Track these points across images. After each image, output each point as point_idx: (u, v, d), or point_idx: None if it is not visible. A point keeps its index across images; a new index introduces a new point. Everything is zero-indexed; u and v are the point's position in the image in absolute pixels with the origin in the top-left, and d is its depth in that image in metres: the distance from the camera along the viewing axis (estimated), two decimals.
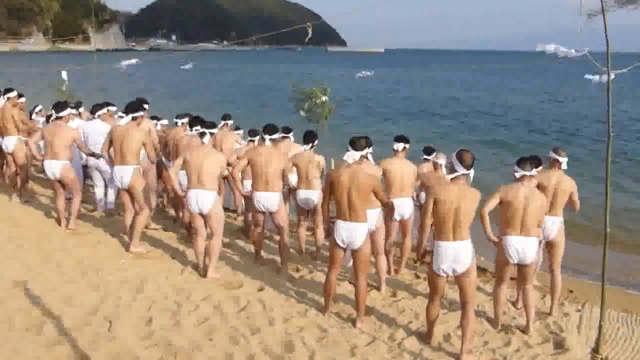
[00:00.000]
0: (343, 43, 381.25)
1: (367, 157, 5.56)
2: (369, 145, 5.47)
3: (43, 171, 8.02)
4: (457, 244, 4.51)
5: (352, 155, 5.11)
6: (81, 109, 10.13)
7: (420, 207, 6.87)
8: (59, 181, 7.39)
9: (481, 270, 6.77)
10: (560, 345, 5.00)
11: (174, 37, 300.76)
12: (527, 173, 5.07)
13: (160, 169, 8.29)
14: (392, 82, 49.49)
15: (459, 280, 4.61)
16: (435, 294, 4.79)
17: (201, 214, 6.03)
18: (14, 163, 9.04)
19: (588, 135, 21.89)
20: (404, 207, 6.41)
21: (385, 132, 18.16)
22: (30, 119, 10.21)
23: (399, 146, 6.44)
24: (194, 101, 31.60)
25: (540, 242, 5.56)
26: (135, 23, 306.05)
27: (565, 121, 26.22)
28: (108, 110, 8.56)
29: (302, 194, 6.84)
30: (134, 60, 8.81)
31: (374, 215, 5.71)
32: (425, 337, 4.97)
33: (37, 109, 10.59)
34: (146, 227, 7.53)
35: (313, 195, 6.75)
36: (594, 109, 29.61)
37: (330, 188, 5.14)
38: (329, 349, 4.71)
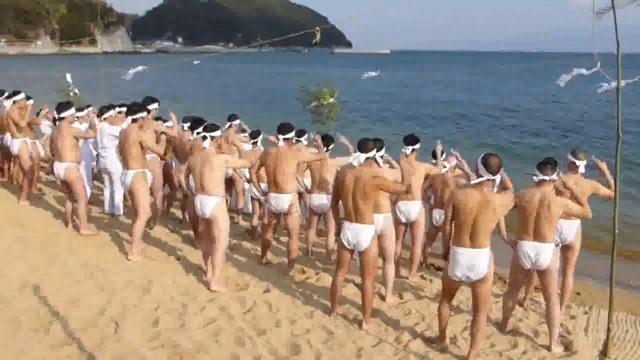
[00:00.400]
0: (349, 44, 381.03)
1: (374, 160, 5.47)
2: (379, 147, 5.42)
3: (52, 173, 8.07)
4: (474, 251, 4.41)
5: (358, 157, 5.08)
6: (90, 109, 10.19)
7: (430, 210, 6.84)
8: (65, 183, 7.41)
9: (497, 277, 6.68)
10: (568, 348, 4.96)
11: (180, 40, 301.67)
12: (547, 177, 4.91)
13: (168, 171, 8.29)
14: (396, 83, 49.44)
15: (472, 287, 4.55)
16: (446, 296, 4.74)
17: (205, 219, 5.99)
18: (19, 164, 9.08)
19: (595, 137, 21.81)
20: (411, 210, 6.36)
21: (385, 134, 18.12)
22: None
23: (408, 149, 6.22)
24: (199, 103, 31.71)
25: (557, 246, 5.42)
26: (142, 25, 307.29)
27: (569, 124, 26.10)
28: (117, 112, 8.58)
29: (315, 198, 6.83)
30: (140, 68, 8.82)
31: (381, 219, 5.66)
32: (436, 340, 4.89)
33: (43, 112, 10.63)
34: (150, 229, 7.55)
35: (326, 199, 6.67)
36: (600, 110, 29.51)
37: (337, 190, 5.14)
38: (335, 350, 4.70)
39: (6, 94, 9.37)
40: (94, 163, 8.98)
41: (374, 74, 9.71)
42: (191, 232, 7.43)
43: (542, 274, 4.98)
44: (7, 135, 9.10)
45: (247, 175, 7.72)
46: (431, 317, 5.47)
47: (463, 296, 5.82)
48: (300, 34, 8.72)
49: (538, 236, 4.88)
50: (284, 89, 41.06)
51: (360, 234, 5.04)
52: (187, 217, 8.12)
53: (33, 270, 6.00)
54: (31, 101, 9.62)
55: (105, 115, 8.41)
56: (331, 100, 10.71)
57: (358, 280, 5.81)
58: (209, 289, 5.80)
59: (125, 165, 6.65)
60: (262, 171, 6.54)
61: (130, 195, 6.75)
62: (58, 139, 7.25)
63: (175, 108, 7.50)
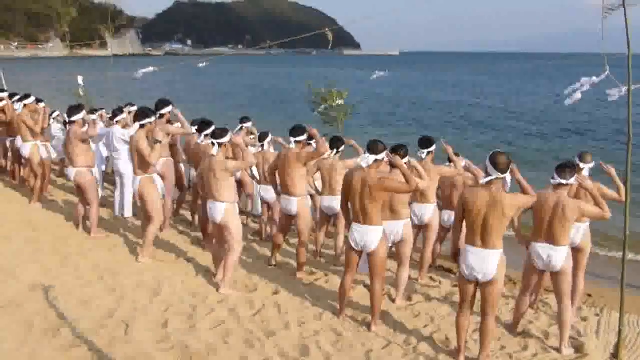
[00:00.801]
0: (357, 46, 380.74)
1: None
2: (403, 154, 5.47)
3: (63, 175, 8.13)
4: (484, 252, 4.37)
5: (366, 159, 5.07)
6: (101, 112, 10.30)
7: (440, 210, 6.81)
8: (78, 187, 7.45)
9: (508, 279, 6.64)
10: (578, 350, 4.93)
11: (189, 42, 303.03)
12: (565, 181, 4.83)
13: (177, 173, 8.32)
14: (404, 85, 49.40)
15: (481, 288, 4.51)
16: (464, 300, 4.62)
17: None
18: (31, 167, 9.16)
19: (603, 139, 21.65)
20: (425, 213, 6.33)
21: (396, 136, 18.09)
22: (49, 124, 10.33)
23: (424, 153, 6.17)
24: (208, 105, 31.83)
25: None
26: (152, 28, 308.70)
27: (575, 126, 25.90)
28: (128, 112, 8.63)
29: (325, 200, 6.83)
30: (151, 69, 8.88)
31: (400, 226, 5.65)
32: (454, 353, 4.74)
33: (54, 115, 10.73)
34: (160, 231, 7.57)
35: (337, 201, 6.61)
36: (605, 112, 29.27)
37: (345, 191, 5.14)
38: (344, 352, 4.70)
39: (17, 97, 9.48)
40: (103, 166, 9.05)
41: (382, 74, 9.78)
42: (200, 234, 7.46)
43: (555, 276, 4.94)
44: (18, 138, 9.18)
45: (257, 176, 7.75)
46: (440, 319, 5.46)
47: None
48: (309, 35, 8.73)
49: (550, 238, 4.84)
50: (293, 90, 41.15)
51: (367, 235, 5.03)
52: (196, 219, 8.17)
53: (45, 272, 6.05)
54: (42, 104, 9.70)
55: (118, 118, 8.47)
56: (340, 102, 10.71)
57: (367, 282, 5.81)
58: (218, 291, 5.81)
59: (135, 171, 6.68)
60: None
61: (140, 200, 6.77)
62: (69, 143, 7.28)
63: (184, 110, 7.49)
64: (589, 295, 6.44)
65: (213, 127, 6.31)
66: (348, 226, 5.31)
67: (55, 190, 10.08)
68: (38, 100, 9.56)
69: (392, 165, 5.18)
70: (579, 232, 5.50)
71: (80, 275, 6.02)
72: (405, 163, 5.46)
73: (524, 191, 4.57)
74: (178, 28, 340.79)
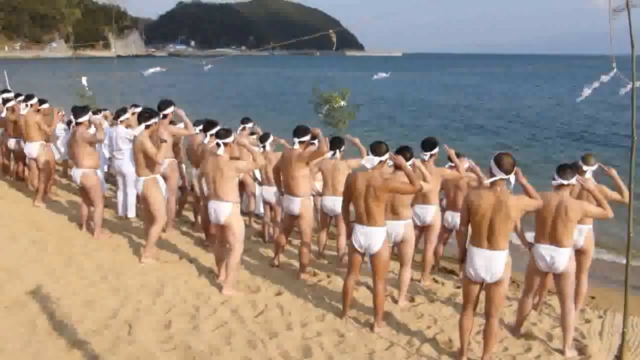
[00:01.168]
0: (360, 47, 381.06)
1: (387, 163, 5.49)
2: (409, 156, 5.48)
3: (66, 176, 8.17)
4: (490, 253, 4.36)
5: (370, 160, 5.08)
6: (105, 112, 10.33)
7: (443, 211, 6.81)
8: (82, 188, 7.47)
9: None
10: (582, 352, 4.92)
11: (192, 43, 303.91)
12: (566, 182, 4.84)
13: (180, 175, 8.35)
14: (406, 86, 49.41)
15: (486, 289, 4.50)
16: (468, 302, 4.62)
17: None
18: (36, 168, 9.20)
19: (606, 141, 21.62)
20: (427, 214, 6.33)
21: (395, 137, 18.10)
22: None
23: (426, 155, 6.15)
24: (211, 105, 31.89)
25: None
26: (155, 29, 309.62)
27: (577, 128, 25.88)
28: (131, 113, 8.66)
29: (327, 200, 6.84)
30: (157, 68, 8.94)
31: (402, 226, 5.66)
32: (457, 355, 4.74)
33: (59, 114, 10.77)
34: (162, 231, 7.59)
35: (339, 202, 6.56)
36: (608, 113, 29.23)
37: (348, 192, 5.14)
38: (347, 353, 4.70)
39: (21, 97, 9.53)
40: (105, 167, 9.08)
41: (384, 75, 9.84)
42: (203, 235, 7.47)
43: (558, 277, 4.93)
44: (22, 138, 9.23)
45: (259, 177, 7.76)
46: (443, 320, 5.46)
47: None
48: (313, 37, 8.75)
49: (554, 240, 4.83)
50: (296, 91, 41.19)
51: (372, 237, 5.03)
52: (199, 219, 8.18)
53: (49, 272, 6.07)
54: (46, 105, 9.75)
55: (121, 118, 8.49)
56: (342, 103, 10.73)
57: (370, 283, 5.81)
58: (221, 292, 5.82)
59: (138, 172, 6.68)
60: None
61: (143, 201, 6.78)
62: (75, 145, 7.29)
63: (187, 111, 7.49)
64: (593, 297, 6.43)
65: (218, 127, 6.36)
66: (348, 228, 5.30)
67: (59, 191, 10.11)
68: (41, 101, 9.60)
69: (397, 167, 5.18)
70: (582, 234, 5.49)
71: (84, 276, 6.05)
72: (410, 165, 5.47)
73: (528, 194, 4.57)
74: (181, 29, 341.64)
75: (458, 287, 6.31)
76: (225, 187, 5.75)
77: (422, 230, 6.49)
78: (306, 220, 6.36)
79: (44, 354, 4.39)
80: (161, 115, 7.05)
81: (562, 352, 4.89)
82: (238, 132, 8.30)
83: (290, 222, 6.58)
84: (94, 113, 9.73)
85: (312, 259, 7.01)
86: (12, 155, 10.52)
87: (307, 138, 6.29)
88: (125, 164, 8.25)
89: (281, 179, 6.49)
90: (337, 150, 6.80)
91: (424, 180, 5.52)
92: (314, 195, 7.16)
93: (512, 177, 4.43)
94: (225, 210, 5.76)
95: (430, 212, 6.32)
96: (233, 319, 5.22)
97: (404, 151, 5.54)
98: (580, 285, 5.61)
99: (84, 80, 14.48)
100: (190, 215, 8.89)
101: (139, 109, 8.75)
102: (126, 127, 8.42)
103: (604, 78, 4.61)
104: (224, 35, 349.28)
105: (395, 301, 5.86)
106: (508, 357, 4.80)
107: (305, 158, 6.21)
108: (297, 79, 58.95)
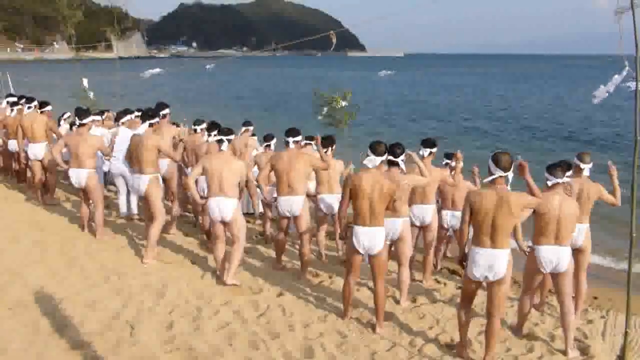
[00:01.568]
0: (362, 48, 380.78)
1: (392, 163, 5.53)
2: (401, 153, 5.54)
3: (67, 177, 8.17)
4: (493, 252, 4.37)
5: (372, 161, 5.09)
6: (108, 114, 10.33)
7: (438, 211, 6.82)
8: (83, 190, 7.49)
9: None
10: (584, 352, 4.91)
11: (194, 44, 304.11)
12: (559, 180, 4.90)
13: (180, 176, 8.35)
14: (408, 87, 49.39)
15: (489, 288, 4.51)
16: (466, 298, 4.68)
17: (222, 221, 6.04)
18: (40, 169, 9.20)
19: (607, 141, 21.57)
20: (425, 214, 6.35)
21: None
22: (59, 125, 10.39)
23: (426, 152, 6.23)
24: (213, 107, 31.89)
25: None
26: (157, 31, 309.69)
27: (577, 128, 25.81)
28: (135, 116, 8.68)
29: (325, 198, 6.86)
30: (157, 70, 8.97)
31: (399, 223, 5.67)
32: (457, 347, 4.78)
33: (65, 116, 10.80)
34: (167, 233, 7.61)
35: (336, 199, 6.69)
36: (607, 116, 29.17)
37: (351, 194, 5.12)
38: (349, 354, 4.70)
39: (23, 100, 9.55)
40: (105, 168, 9.08)
41: (389, 72, 9.98)
42: (204, 236, 7.48)
43: (558, 277, 4.93)
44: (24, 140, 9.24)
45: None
46: (445, 320, 5.46)
47: (478, 299, 5.78)
48: (314, 38, 8.76)
49: (559, 240, 4.85)
50: (298, 92, 41.19)
51: (375, 238, 5.04)
52: (200, 221, 8.18)
53: (52, 273, 6.08)
54: (49, 107, 9.75)
55: (123, 119, 8.51)
56: (343, 104, 10.71)
57: (371, 283, 5.81)
58: (224, 284, 5.91)
59: (140, 170, 6.71)
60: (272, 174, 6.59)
61: (145, 199, 6.80)
62: (79, 145, 7.30)
63: (188, 112, 7.56)
64: (595, 298, 6.42)
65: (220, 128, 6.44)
66: (341, 227, 5.31)
67: (61, 192, 10.12)
68: (42, 103, 9.60)
69: (391, 163, 5.41)
70: (581, 233, 5.50)
71: (86, 277, 6.06)
72: (405, 155, 5.63)
73: (531, 191, 4.57)
74: (183, 30, 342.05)
75: (460, 288, 6.30)
76: (232, 183, 5.88)
77: (420, 230, 6.50)
78: (305, 219, 6.39)
79: (46, 354, 4.40)
80: (161, 115, 7.17)
81: (564, 352, 4.89)
82: (241, 134, 8.35)
83: (288, 222, 6.59)
84: (97, 114, 9.76)
85: (314, 259, 7.02)
86: (14, 157, 10.52)
87: (300, 138, 6.45)
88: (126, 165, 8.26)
89: (278, 178, 6.46)
90: (330, 149, 6.84)
91: (421, 174, 5.68)
92: (308, 195, 7.19)
93: (510, 175, 4.48)
94: (230, 206, 5.88)
95: (429, 212, 6.35)
96: (235, 319, 5.23)
97: (396, 147, 5.59)
98: (580, 285, 5.62)
99: (84, 81, 14.52)
100: (192, 216, 8.89)
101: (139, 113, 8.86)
102: (127, 128, 8.43)
103: (617, 78, 4.57)
104: (225, 36, 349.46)
105: (397, 302, 5.87)
106: (510, 358, 4.80)
107: (308, 162, 6.30)
108: (298, 79, 58.96)
